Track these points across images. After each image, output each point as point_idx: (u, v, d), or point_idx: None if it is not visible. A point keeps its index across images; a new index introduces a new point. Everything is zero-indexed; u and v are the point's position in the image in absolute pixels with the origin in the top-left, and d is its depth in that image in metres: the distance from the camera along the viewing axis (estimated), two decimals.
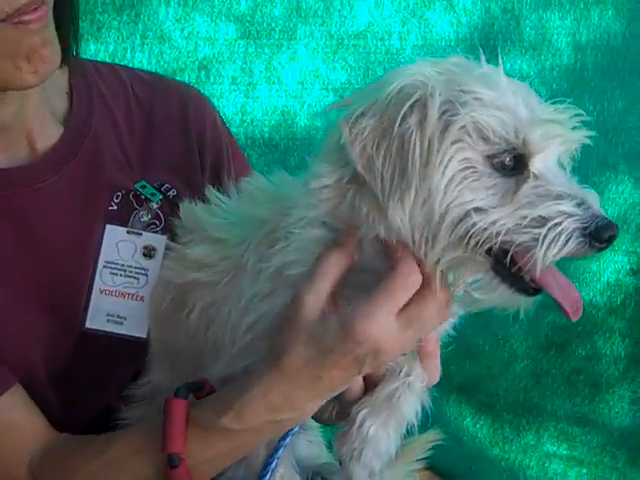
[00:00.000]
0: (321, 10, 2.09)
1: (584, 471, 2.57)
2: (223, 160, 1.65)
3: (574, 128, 1.16)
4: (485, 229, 1.09)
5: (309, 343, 1.17)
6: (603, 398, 2.72)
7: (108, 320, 1.45)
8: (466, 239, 1.10)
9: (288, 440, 1.30)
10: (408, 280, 1.13)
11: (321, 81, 2.13)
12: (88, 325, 1.43)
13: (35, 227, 1.40)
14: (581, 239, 1.09)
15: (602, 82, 2.35)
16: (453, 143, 1.10)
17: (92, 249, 1.44)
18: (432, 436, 2.01)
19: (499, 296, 1.15)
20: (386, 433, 1.28)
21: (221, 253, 1.37)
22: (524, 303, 1.16)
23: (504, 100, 1.11)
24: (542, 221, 1.09)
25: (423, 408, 1.32)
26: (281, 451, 1.31)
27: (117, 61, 2.01)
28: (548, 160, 1.14)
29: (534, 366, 2.69)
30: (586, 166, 2.41)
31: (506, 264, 1.12)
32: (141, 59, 2.03)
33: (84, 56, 1.94)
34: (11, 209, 1.39)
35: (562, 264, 2.70)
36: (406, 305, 1.14)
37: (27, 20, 1.21)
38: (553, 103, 1.17)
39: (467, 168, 1.10)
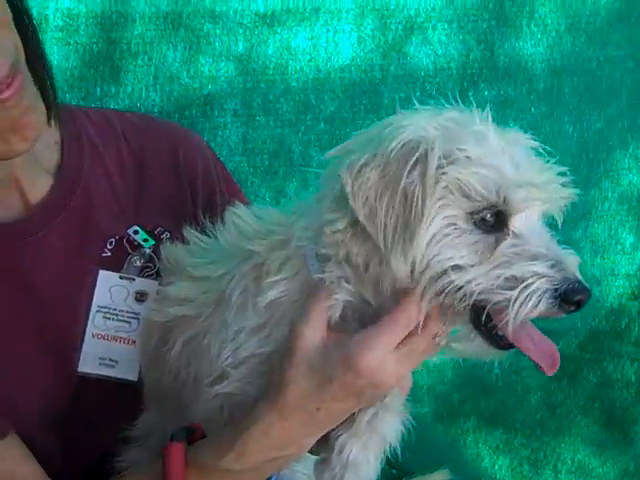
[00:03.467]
0: (309, 48, 2.21)
1: None
2: (215, 198, 1.64)
3: (558, 188, 1.20)
4: (461, 287, 1.11)
5: (309, 375, 1.17)
6: (619, 424, 2.73)
7: (100, 364, 1.45)
8: (442, 295, 1.12)
9: (274, 478, 1.32)
10: (412, 317, 1.15)
11: (313, 111, 2.25)
12: (80, 369, 1.43)
13: (29, 277, 1.41)
14: (551, 300, 1.10)
15: (580, 104, 2.41)
16: (438, 200, 1.12)
17: (86, 294, 1.44)
18: (441, 476, 2.05)
19: (476, 348, 1.19)
20: (366, 458, 1.27)
21: (202, 288, 1.36)
22: (499, 356, 1.20)
23: (491, 158, 1.14)
24: (515, 281, 1.10)
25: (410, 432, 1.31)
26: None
27: (134, 100, 2.17)
28: (529, 218, 1.16)
29: (548, 397, 2.72)
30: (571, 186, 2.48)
31: (482, 319, 1.14)
32: (154, 98, 2.17)
33: (106, 97, 2.17)
34: (6, 261, 1.39)
35: None
36: (402, 339, 1.16)
37: (4, 98, 1.20)
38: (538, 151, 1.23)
39: (449, 225, 1.12)
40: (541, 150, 1.27)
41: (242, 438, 1.19)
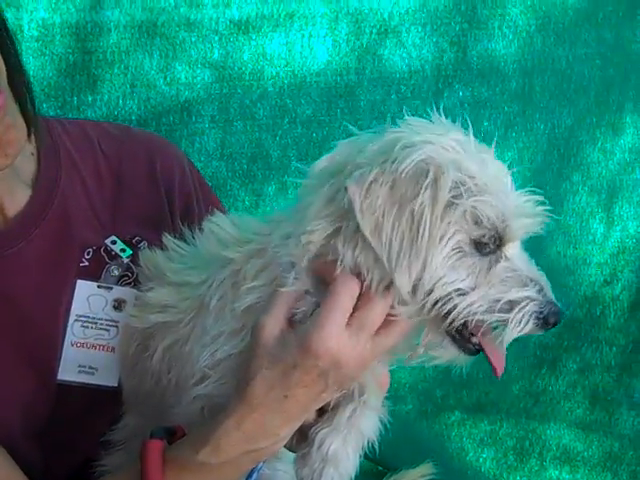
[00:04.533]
0: (284, 53, 2.23)
1: None
2: (193, 206, 1.65)
3: (541, 217, 1.27)
4: (463, 310, 1.18)
5: (271, 365, 1.18)
6: (603, 407, 2.80)
7: (80, 371, 1.45)
8: (448, 318, 1.18)
9: (255, 476, 1.30)
10: (347, 285, 1.16)
11: (289, 115, 2.26)
12: (60, 377, 1.44)
13: (8, 289, 1.40)
14: (536, 321, 1.20)
15: (550, 102, 2.47)
16: (450, 224, 1.16)
17: (64, 304, 1.44)
18: (424, 470, 2.07)
19: (448, 354, 1.25)
20: (346, 452, 1.29)
21: (182, 294, 1.37)
22: (465, 360, 1.28)
23: (496, 187, 1.19)
24: (510, 305, 1.19)
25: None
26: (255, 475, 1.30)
27: (112, 108, 2.17)
28: (516, 244, 1.24)
29: (530, 386, 2.79)
30: (543, 180, 2.55)
31: (458, 328, 1.22)
32: (131, 105, 2.17)
33: (84, 106, 2.17)
34: None
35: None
36: (354, 313, 1.17)
37: None
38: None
39: (457, 250, 1.18)
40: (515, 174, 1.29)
41: (216, 432, 1.20)
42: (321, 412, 1.29)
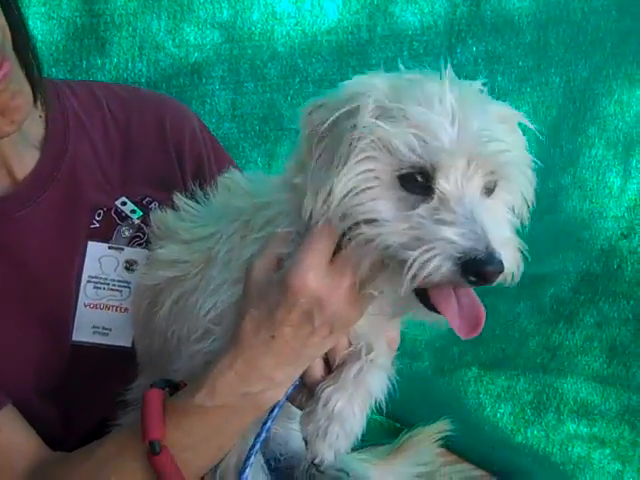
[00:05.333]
0: (294, 12, 2.20)
1: (607, 452, 2.60)
2: (204, 167, 1.64)
3: (493, 159, 1.12)
4: (371, 240, 1.10)
5: (258, 304, 1.18)
6: (621, 360, 2.78)
7: (94, 332, 1.46)
8: (354, 244, 1.12)
9: (263, 436, 1.28)
10: (325, 228, 1.15)
11: (300, 74, 2.24)
12: (75, 338, 1.45)
13: (19, 252, 1.42)
14: (453, 268, 1.05)
15: (566, 55, 2.43)
16: (361, 152, 1.11)
17: (76, 266, 1.45)
18: (441, 426, 2.07)
19: (421, 312, 1.15)
20: (352, 410, 1.27)
21: (191, 249, 1.37)
22: (436, 318, 1.14)
23: (428, 120, 1.09)
24: (420, 242, 1.07)
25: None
26: (257, 447, 1.29)
27: (121, 71, 2.16)
28: (464, 189, 1.10)
29: (546, 341, 2.77)
30: (559, 134, 2.53)
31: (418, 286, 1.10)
32: (140, 68, 2.16)
33: (93, 69, 2.16)
34: None
35: (553, 235, 2.79)
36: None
37: None
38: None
39: (372, 179, 1.11)
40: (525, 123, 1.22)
41: (211, 374, 1.21)
42: (329, 371, 1.29)
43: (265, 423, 1.28)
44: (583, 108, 2.53)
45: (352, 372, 1.27)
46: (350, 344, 1.28)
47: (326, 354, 1.28)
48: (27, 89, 1.32)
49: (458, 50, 2.32)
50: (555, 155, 2.54)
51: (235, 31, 2.19)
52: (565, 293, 2.75)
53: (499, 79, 2.39)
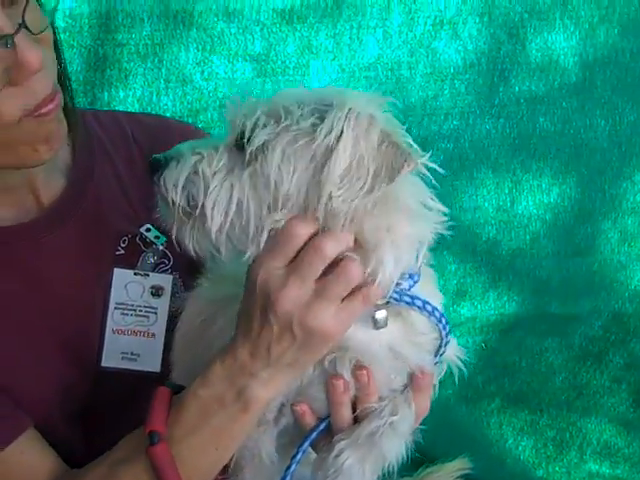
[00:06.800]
0: (332, 46, 2.14)
1: None
2: None
3: None
4: None
5: (244, 299, 1.21)
6: None
7: (122, 358, 1.50)
8: None
9: (293, 468, 1.27)
10: (291, 232, 1.13)
11: None
12: (104, 364, 1.49)
13: (44, 277, 1.44)
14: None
15: (612, 98, 2.38)
16: None
17: (102, 292, 1.49)
18: (460, 464, 2.01)
19: None
20: (362, 469, 1.26)
21: None
22: None
23: None
24: None
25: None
26: (295, 464, 1.28)
27: (144, 104, 2.09)
28: None
29: (573, 378, 2.71)
30: (602, 178, 2.47)
31: None
32: (166, 102, 2.09)
33: (114, 102, 2.09)
34: (20, 261, 1.42)
35: (588, 276, 2.73)
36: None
37: (46, 112, 1.25)
38: None
39: None
40: None
41: (207, 365, 1.24)
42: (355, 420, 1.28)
43: (289, 467, 1.27)
44: (629, 153, 2.48)
45: (367, 430, 1.25)
46: (378, 399, 1.26)
47: (355, 404, 1.26)
48: (62, 117, 1.35)
49: (500, 89, 2.28)
50: (597, 199, 2.50)
51: (268, 65, 2.13)
52: (595, 331, 2.70)
53: (541, 120, 2.35)
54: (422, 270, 1.23)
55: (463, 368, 1.32)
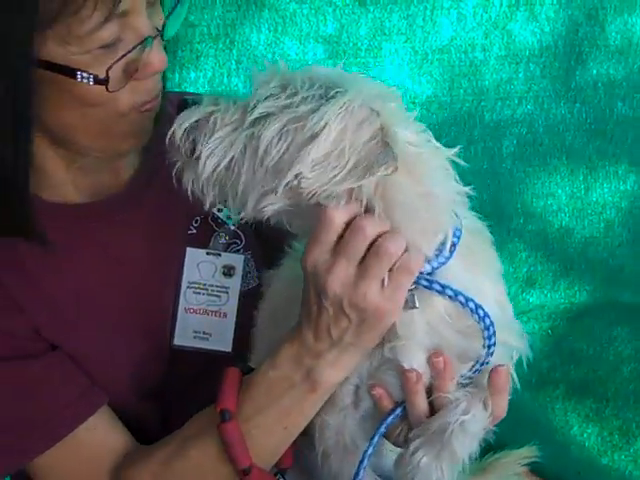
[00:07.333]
0: (404, 28, 2.11)
1: None
2: None
3: None
4: None
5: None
6: None
7: (195, 337, 1.52)
8: None
9: (370, 451, 1.28)
10: (330, 217, 1.14)
11: (408, 95, 2.14)
12: (176, 342, 1.51)
13: (120, 255, 1.47)
14: None
15: None
16: None
17: (175, 271, 1.51)
18: (528, 452, 1.98)
19: None
20: (439, 467, 1.25)
21: None
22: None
23: None
24: None
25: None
26: (365, 462, 1.28)
27: (215, 86, 2.10)
28: None
29: None
30: None
31: None
32: (237, 83, 2.09)
33: (185, 83, 2.09)
34: (96, 240, 1.45)
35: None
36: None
37: (150, 108, 1.31)
38: None
39: None
40: None
41: (277, 346, 1.26)
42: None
43: (365, 451, 1.28)
44: None
45: (438, 426, 1.23)
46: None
47: (430, 393, 1.26)
48: None
49: (577, 73, 2.22)
50: None
51: (340, 46, 2.12)
52: None
53: (619, 105, 2.28)
54: (481, 259, 1.23)
55: (528, 352, 1.30)
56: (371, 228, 1.14)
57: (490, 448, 2.01)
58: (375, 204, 1.13)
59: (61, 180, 1.41)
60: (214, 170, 1.16)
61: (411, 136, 1.14)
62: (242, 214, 1.19)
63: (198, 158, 1.17)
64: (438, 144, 1.17)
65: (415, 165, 1.13)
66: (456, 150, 1.15)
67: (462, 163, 1.18)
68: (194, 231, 1.52)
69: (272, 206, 1.15)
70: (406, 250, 1.14)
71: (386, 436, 1.30)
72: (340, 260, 1.15)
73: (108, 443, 1.41)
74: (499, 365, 1.23)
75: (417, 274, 1.16)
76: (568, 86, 2.24)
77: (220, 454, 1.28)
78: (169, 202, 1.48)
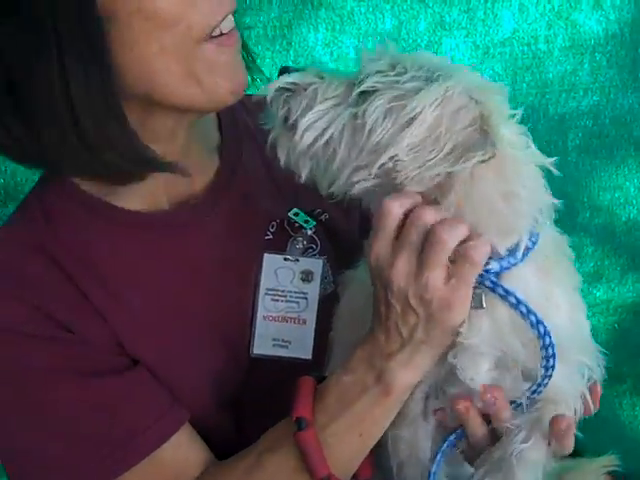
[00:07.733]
0: (465, 22, 2.09)
1: None
2: None
3: None
4: None
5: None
6: None
7: (274, 345, 1.49)
8: None
9: (434, 469, 1.27)
10: (388, 209, 1.14)
11: None
12: (256, 351, 1.48)
13: (198, 264, 1.45)
14: None
15: None
16: None
17: (252, 278, 1.48)
18: (608, 461, 1.95)
19: None
20: None
21: None
22: None
23: None
24: None
25: None
26: (435, 465, 1.27)
27: None
28: None
29: None
30: None
31: None
32: None
33: None
34: (175, 248, 1.44)
35: None
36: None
37: (229, 43, 1.27)
38: None
39: None
40: None
41: (351, 352, 1.25)
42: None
43: (430, 470, 1.26)
44: None
45: (498, 455, 1.21)
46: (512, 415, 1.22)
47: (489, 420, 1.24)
48: (243, 62, 1.36)
49: None
50: None
51: (399, 43, 2.01)
52: None
53: None
54: (556, 270, 1.19)
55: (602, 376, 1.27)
56: (429, 217, 1.12)
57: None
58: (452, 195, 1.10)
59: (138, 188, 1.39)
60: (312, 144, 1.14)
61: (512, 136, 1.11)
62: (332, 189, 1.18)
63: (294, 128, 1.15)
64: (537, 151, 1.13)
65: (507, 164, 1.10)
66: (553, 160, 1.12)
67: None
68: (271, 236, 1.50)
69: (364, 183, 1.14)
70: (469, 240, 1.11)
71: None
72: (401, 252, 1.14)
73: (190, 459, 1.40)
74: (560, 415, 1.18)
75: (481, 267, 1.12)
76: (635, 76, 2.20)
77: (298, 464, 1.27)
78: (246, 207, 1.48)
